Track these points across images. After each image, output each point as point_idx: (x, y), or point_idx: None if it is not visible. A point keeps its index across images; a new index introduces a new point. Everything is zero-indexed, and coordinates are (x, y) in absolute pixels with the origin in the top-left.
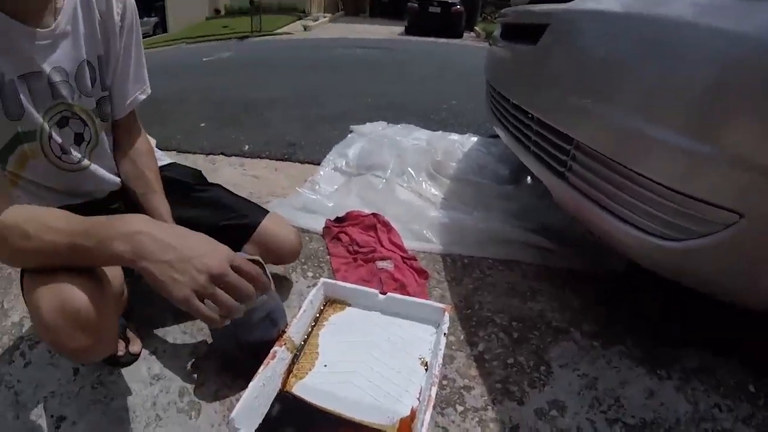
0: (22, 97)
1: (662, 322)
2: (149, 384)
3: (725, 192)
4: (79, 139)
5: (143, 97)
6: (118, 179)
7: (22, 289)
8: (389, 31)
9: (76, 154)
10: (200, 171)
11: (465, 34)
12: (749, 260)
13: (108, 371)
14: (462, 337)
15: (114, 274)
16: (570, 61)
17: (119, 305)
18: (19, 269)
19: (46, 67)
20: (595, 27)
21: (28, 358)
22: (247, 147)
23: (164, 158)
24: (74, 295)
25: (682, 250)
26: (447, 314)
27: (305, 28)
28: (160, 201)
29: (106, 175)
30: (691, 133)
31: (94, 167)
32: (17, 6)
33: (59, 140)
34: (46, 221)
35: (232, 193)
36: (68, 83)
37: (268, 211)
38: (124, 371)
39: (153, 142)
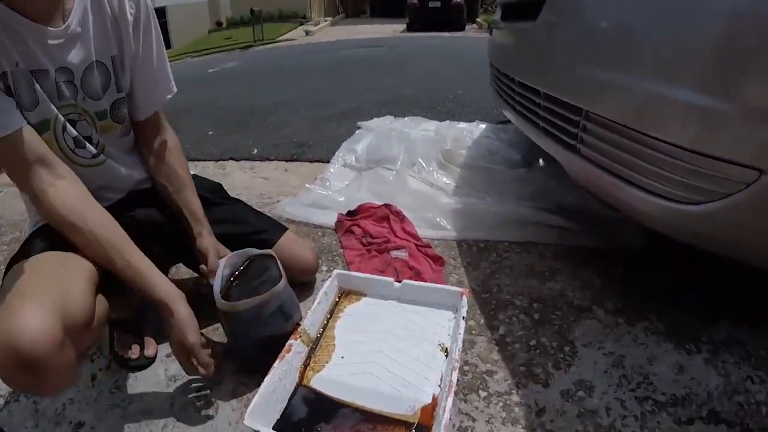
0: (36, 86)
1: (686, 295)
2: (166, 386)
3: (743, 148)
4: (88, 141)
5: (169, 96)
6: (134, 178)
7: None
8: (391, 29)
9: (90, 148)
10: (220, 185)
11: (467, 27)
12: None
13: (125, 375)
14: (482, 321)
15: (81, 300)
16: (572, 31)
17: (86, 335)
18: None
19: (51, 67)
20: None
21: None
22: (255, 151)
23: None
24: (18, 334)
25: (703, 213)
26: (465, 298)
27: (307, 33)
28: (191, 197)
29: (120, 173)
30: (706, 90)
31: (110, 163)
32: (26, 6)
33: (74, 133)
34: (110, 244)
35: (252, 209)
36: (72, 84)
37: (286, 228)
38: (141, 374)
39: None
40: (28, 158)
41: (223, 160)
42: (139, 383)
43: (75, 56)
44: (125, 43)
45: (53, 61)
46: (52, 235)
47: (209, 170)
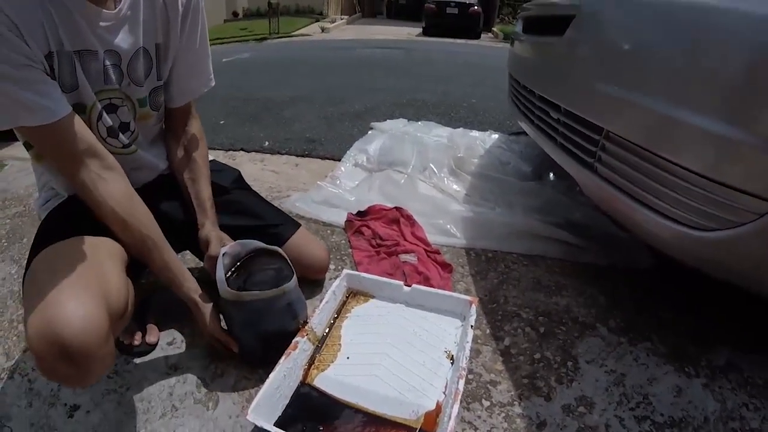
0: (78, 69)
1: (689, 318)
2: (166, 374)
3: (757, 179)
4: (124, 128)
5: (205, 89)
6: (158, 169)
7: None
8: (406, 32)
9: (123, 138)
10: (239, 172)
11: (483, 35)
12: None
13: (125, 360)
14: (488, 331)
15: (119, 286)
16: (599, 51)
17: (121, 323)
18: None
19: (102, 50)
20: (624, 15)
21: None
22: (267, 143)
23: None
24: (64, 324)
25: (715, 241)
26: (473, 306)
27: (323, 30)
28: (204, 187)
29: (145, 164)
30: (726, 119)
31: (139, 154)
32: None
33: (109, 122)
34: (154, 243)
35: (267, 203)
36: (119, 68)
37: (299, 225)
38: (141, 361)
39: None
40: (77, 147)
41: (234, 150)
42: (138, 370)
43: (123, 41)
44: (172, 31)
45: (102, 43)
46: (72, 216)
47: (219, 160)
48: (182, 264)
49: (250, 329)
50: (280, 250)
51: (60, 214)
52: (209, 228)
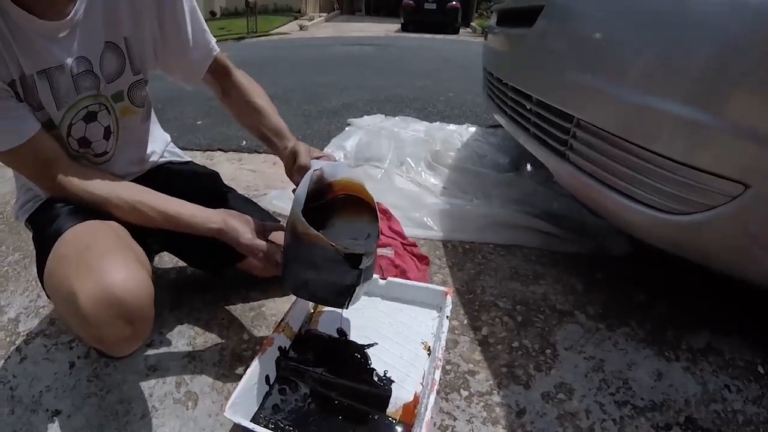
0: (38, 93)
1: (667, 303)
2: (145, 376)
3: (730, 163)
4: (107, 132)
5: (209, 62)
6: (131, 175)
7: (40, 275)
8: (385, 28)
9: (95, 148)
10: (217, 173)
11: (461, 30)
12: (755, 232)
13: (104, 363)
14: (465, 321)
15: (145, 258)
16: (567, 40)
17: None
18: (22, 260)
19: (68, 60)
20: (591, 3)
21: (24, 353)
22: (244, 142)
23: (184, 156)
24: (117, 281)
25: (688, 224)
26: (449, 297)
27: (301, 28)
28: (271, 118)
29: (116, 172)
30: (696, 104)
31: (111, 163)
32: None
33: (77, 136)
34: (143, 204)
35: (249, 201)
36: (92, 72)
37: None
38: (120, 364)
39: (167, 137)
40: (46, 157)
41: (211, 150)
42: (117, 372)
43: (86, 43)
44: (146, 22)
45: (67, 53)
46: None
47: (196, 160)
48: (181, 203)
49: (298, 264)
50: (375, 204)
51: (54, 208)
52: (294, 142)
